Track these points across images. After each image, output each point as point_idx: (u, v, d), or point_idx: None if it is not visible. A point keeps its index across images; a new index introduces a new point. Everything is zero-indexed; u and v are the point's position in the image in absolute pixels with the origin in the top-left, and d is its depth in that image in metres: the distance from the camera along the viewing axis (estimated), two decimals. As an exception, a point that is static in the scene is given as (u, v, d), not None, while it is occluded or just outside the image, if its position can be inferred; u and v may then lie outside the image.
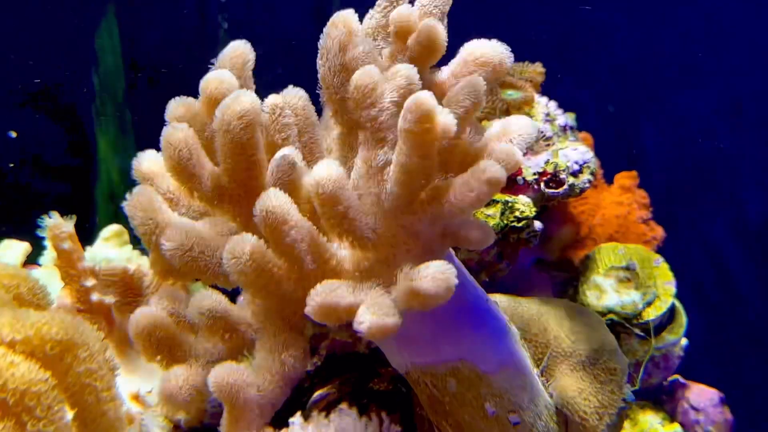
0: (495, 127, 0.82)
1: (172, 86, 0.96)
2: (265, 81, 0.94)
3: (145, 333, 0.87)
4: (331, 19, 0.83)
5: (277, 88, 0.90)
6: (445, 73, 0.88)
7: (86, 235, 1.17)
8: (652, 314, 1.35)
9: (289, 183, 0.82)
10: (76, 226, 1.08)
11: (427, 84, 0.85)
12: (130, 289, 1.10)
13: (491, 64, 0.84)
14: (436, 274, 0.72)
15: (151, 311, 0.88)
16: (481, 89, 0.78)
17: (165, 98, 0.88)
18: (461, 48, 0.86)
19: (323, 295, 0.74)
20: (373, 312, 0.71)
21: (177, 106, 0.88)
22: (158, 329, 0.87)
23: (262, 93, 0.87)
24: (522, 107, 1.29)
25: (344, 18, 0.83)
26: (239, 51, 0.90)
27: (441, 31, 0.85)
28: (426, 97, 0.73)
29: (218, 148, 0.83)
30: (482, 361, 0.90)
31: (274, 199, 0.76)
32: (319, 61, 0.85)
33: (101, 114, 1.92)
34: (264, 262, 0.79)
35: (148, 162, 0.89)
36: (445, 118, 0.73)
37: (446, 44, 0.86)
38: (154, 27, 2.09)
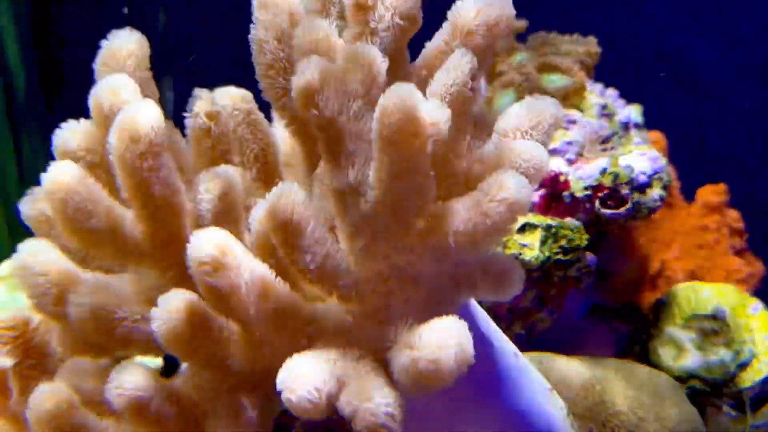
0: (502, 119, 0.81)
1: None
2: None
3: (47, 420, 0.82)
4: None
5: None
6: (429, 49, 0.84)
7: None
8: (748, 380, 1.33)
9: (225, 214, 0.80)
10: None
11: (404, 71, 0.83)
12: (33, 348, 1.01)
13: (491, 26, 0.80)
14: (440, 343, 0.67)
15: (54, 390, 0.83)
16: (468, 64, 0.76)
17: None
18: (449, 11, 0.83)
19: (292, 381, 0.69)
20: (357, 402, 0.67)
21: (69, 136, 0.85)
22: (65, 415, 0.83)
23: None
24: (569, 98, 1.30)
25: None
26: (127, 47, 0.87)
27: None
28: (404, 90, 0.68)
29: (120, 185, 0.80)
30: (515, 448, 0.87)
31: (206, 245, 0.72)
32: (255, 57, 0.84)
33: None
34: (205, 326, 0.76)
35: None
36: (432, 113, 0.69)
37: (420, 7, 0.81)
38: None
